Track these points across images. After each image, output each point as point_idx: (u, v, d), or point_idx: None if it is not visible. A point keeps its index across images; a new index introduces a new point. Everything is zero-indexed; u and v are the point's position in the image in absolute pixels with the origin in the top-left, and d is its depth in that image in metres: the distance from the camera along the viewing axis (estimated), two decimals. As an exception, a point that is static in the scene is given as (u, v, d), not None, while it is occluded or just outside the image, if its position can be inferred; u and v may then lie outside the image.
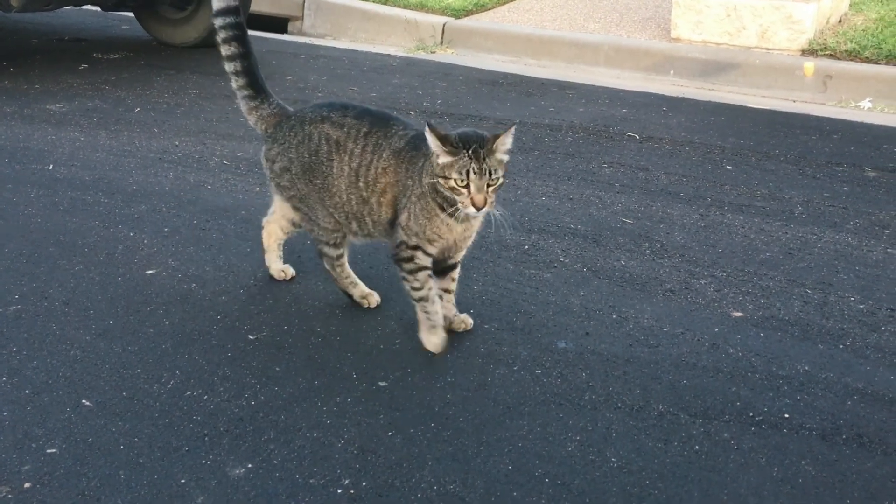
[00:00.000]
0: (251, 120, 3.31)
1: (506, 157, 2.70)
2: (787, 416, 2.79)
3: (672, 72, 7.49)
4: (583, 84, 7.13)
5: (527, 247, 4.01)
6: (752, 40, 7.49)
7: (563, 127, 5.93)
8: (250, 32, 3.46)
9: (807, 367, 3.07)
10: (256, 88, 3.27)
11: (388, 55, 7.91)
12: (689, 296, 3.59)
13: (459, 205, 2.65)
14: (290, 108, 3.31)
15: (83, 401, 2.77)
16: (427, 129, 2.64)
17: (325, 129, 3.02)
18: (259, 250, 3.65)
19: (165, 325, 3.25)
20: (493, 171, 2.62)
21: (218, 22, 3.26)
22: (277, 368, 2.98)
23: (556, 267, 3.81)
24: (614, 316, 3.40)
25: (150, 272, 3.65)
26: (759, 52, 7.45)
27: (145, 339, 3.14)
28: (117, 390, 2.83)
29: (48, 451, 2.53)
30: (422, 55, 7.98)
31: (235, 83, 3.28)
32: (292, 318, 3.31)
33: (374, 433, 2.64)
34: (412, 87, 6.82)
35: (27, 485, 2.40)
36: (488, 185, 2.62)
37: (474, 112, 6.15)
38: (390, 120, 3.02)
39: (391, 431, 2.65)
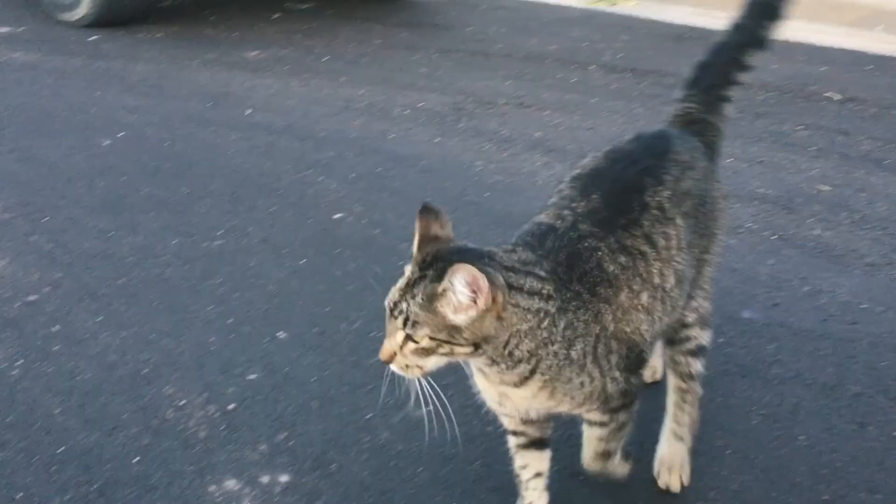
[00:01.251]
0: None
1: (455, 317, 1.64)
2: None
3: (881, 26, 6.87)
4: (778, 39, 6.68)
5: (711, 210, 3.87)
6: (979, -8, 6.72)
7: (754, 85, 5.59)
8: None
9: None
10: None
11: (568, 7, 7.74)
12: (893, 272, 3.33)
13: None
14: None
15: (279, 333, 2.98)
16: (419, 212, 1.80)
17: None
18: (437, 201, 3.72)
19: (351, 267, 3.41)
20: (407, 320, 1.66)
21: None
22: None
23: (742, 233, 3.65)
24: (806, 288, 3.22)
25: (337, 216, 3.83)
26: None
27: (333, 280, 3.31)
28: (309, 326, 3.02)
29: (249, 377, 2.75)
30: (603, 7, 7.75)
31: None
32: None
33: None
34: (593, 40, 6.65)
35: (231, 406, 2.62)
36: (408, 340, 1.68)
37: (657, 67, 5.93)
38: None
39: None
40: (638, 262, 1.89)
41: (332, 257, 3.49)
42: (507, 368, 1.76)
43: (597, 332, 1.82)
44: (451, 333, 1.65)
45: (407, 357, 1.69)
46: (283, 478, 2.34)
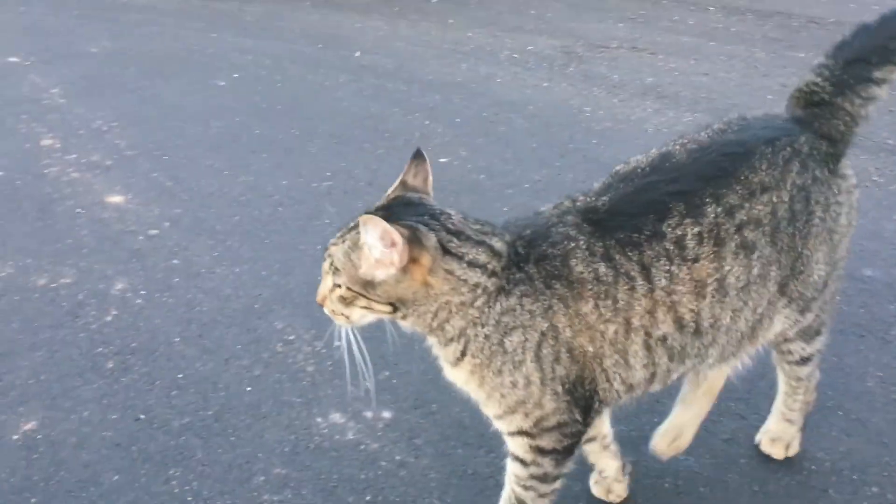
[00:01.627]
0: None
1: (367, 271, 1.56)
2: None
3: None
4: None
5: (834, 162, 3.66)
6: None
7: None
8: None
9: None
10: None
11: (688, -56, 7.38)
12: None
13: None
14: None
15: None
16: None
17: None
18: (543, 147, 3.68)
19: (456, 211, 3.43)
20: (331, 265, 1.61)
21: None
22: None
23: (867, 186, 3.45)
24: (935, 247, 3.03)
25: (443, 160, 3.83)
26: None
27: (437, 223, 3.34)
28: (413, 268, 3.06)
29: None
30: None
31: None
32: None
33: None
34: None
35: (337, 343, 2.69)
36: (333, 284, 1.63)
37: (783, 8, 5.60)
38: None
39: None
40: (619, 285, 1.59)
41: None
42: (441, 344, 1.64)
43: (543, 329, 1.59)
44: (366, 287, 1.56)
45: (334, 303, 1.62)
46: (386, 414, 2.41)
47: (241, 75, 4.92)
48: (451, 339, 1.61)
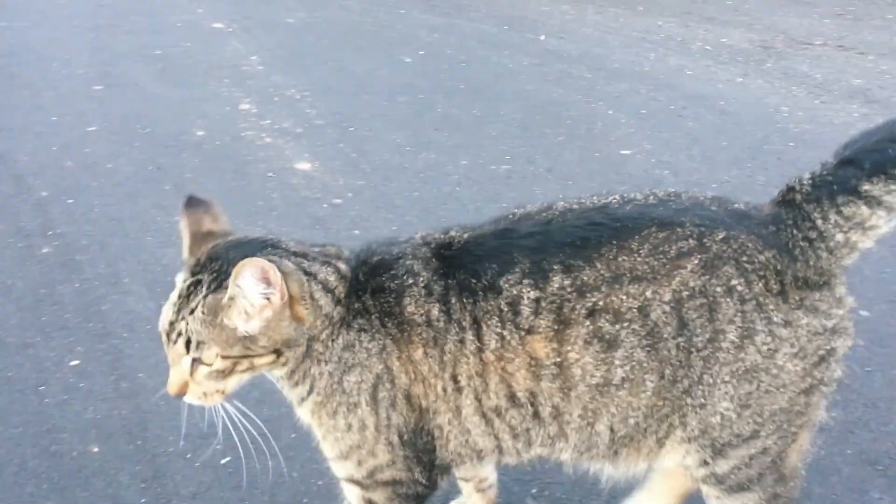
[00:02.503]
0: None
1: (248, 326, 1.36)
2: None
3: None
4: None
5: None
6: None
7: None
8: None
9: None
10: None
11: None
12: None
13: None
14: None
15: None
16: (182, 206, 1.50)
17: None
18: (734, 146, 3.49)
19: (636, 206, 3.33)
20: (189, 342, 1.37)
21: None
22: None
23: None
24: None
25: (625, 152, 3.73)
26: None
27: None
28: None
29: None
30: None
31: None
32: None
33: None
34: (937, -25, 5.78)
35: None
36: (197, 363, 1.39)
37: None
38: None
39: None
40: (449, 335, 1.41)
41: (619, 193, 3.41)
42: (291, 385, 1.47)
43: (379, 370, 1.43)
44: (247, 345, 1.36)
45: (202, 384, 1.39)
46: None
47: (427, 53, 4.99)
48: (300, 380, 1.45)
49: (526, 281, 1.38)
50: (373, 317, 1.43)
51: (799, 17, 5.24)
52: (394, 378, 1.43)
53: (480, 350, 1.39)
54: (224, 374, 1.38)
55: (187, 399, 1.40)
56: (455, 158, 3.74)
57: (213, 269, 1.37)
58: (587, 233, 1.38)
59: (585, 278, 1.37)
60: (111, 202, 3.38)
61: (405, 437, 1.46)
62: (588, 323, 1.36)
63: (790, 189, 1.42)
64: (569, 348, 1.37)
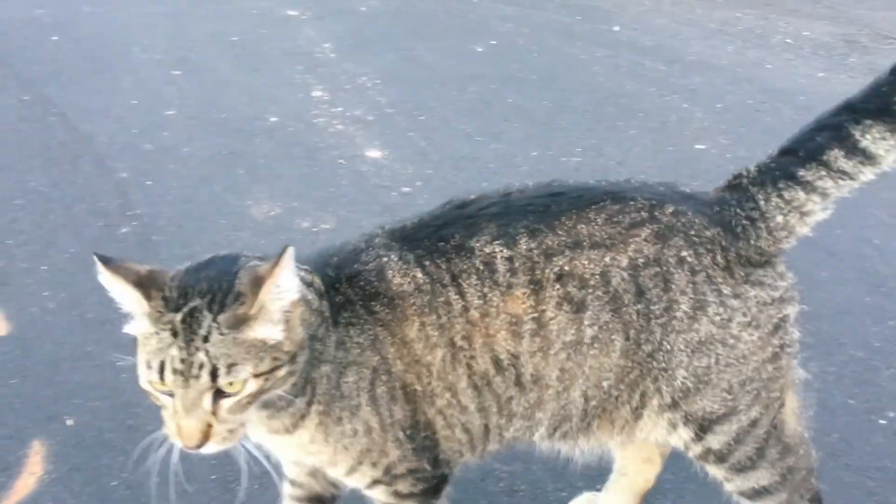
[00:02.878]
0: None
1: (273, 332, 1.28)
2: None
3: None
4: None
5: None
6: None
7: None
8: None
9: None
10: None
11: None
12: None
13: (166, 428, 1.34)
14: None
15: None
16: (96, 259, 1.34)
17: None
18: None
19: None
20: (216, 370, 1.25)
21: None
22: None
23: None
24: None
25: (699, 146, 3.65)
26: None
27: (688, 213, 3.20)
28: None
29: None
30: None
31: None
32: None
33: None
34: None
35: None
36: (219, 397, 1.27)
37: None
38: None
39: None
40: (436, 295, 1.42)
41: (691, 189, 3.35)
42: (284, 407, 1.38)
43: (374, 364, 1.41)
44: (273, 356, 1.28)
45: (227, 420, 1.27)
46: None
47: (498, 42, 4.97)
48: (297, 395, 1.37)
49: (497, 242, 1.43)
50: (356, 305, 1.41)
51: (886, 10, 5.05)
52: (389, 368, 1.42)
53: (466, 309, 1.42)
54: (250, 400, 1.28)
55: (209, 448, 1.28)
56: (525, 149, 3.71)
57: (202, 292, 1.26)
58: (547, 201, 1.46)
59: (550, 242, 1.43)
60: (187, 185, 3.46)
61: (408, 431, 1.46)
62: (558, 286, 1.42)
63: (737, 176, 1.51)
64: (544, 307, 1.42)
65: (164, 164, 3.63)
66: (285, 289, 1.26)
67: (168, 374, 1.24)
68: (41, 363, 2.47)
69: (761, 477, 1.56)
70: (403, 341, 1.42)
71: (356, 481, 1.53)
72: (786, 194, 1.46)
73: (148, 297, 1.27)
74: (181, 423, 1.25)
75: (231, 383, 1.24)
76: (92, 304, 2.64)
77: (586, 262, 1.42)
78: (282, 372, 1.29)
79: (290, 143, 3.84)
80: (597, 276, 1.42)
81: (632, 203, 1.45)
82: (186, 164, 3.64)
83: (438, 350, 1.43)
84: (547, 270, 1.42)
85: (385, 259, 1.44)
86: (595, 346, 1.44)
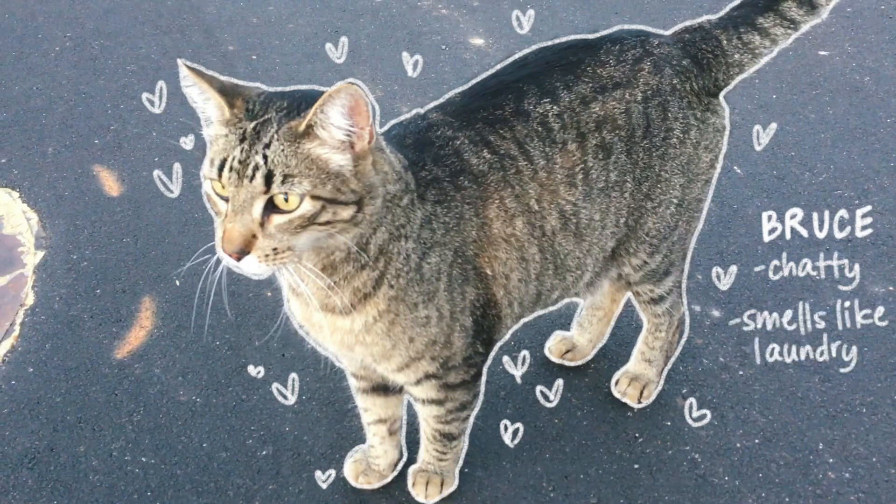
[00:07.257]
0: None
1: (336, 157, 1.24)
2: None
3: None
4: None
5: None
6: None
7: None
8: None
9: None
10: None
11: None
12: None
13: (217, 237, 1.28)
14: None
15: (735, 168, 2.86)
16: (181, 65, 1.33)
17: None
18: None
19: (829, 113, 3.09)
20: (271, 176, 1.21)
21: None
22: None
23: None
24: None
25: (823, 53, 3.43)
26: None
27: (805, 123, 3.04)
28: (769, 168, 2.85)
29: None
30: None
31: None
32: None
33: None
34: None
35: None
36: (271, 208, 1.22)
37: None
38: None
39: None
40: (508, 169, 1.49)
41: (808, 98, 3.18)
42: (347, 277, 1.33)
43: (457, 245, 1.43)
44: (337, 186, 1.22)
45: (273, 236, 1.21)
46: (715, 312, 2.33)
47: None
48: (365, 266, 1.33)
49: (545, 101, 1.53)
50: (444, 183, 1.44)
51: None
52: (466, 251, 1.47)
53: (535, 172, 1.51)
54: (304, 223, 1.22)
55: (248, 262, 1.21)
56: (634, 45, 3.56)
57: (280, 107, 1.25)
58: (568, 55, 1.58)
59: (583, 91, 1.55)
60: (291, 62, 3.47)
61: (476, 315, 1.52)
62: (597, 135, 1.55)
63: (699, 23, 1.70)
64: (587, 156, 1.55)
65: (269, 38, 3.64)
66: (330, 126, 1.22)
67: (226, 172, 1.21)
68: (152, 224, 2.59)
69: (670, 281, 1.83)
70: (484, 221, 1.48)
71: (405, 377, 1.55)
72: (745, 38, 1.67)
73: (231, 105, 1.26)
74: (227, 225, 1.21)
75: (286, 198, 1.20)
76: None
77: (614, 104, 1.57)
78: (346, 213, 1.25)
79: (393, 26, 3.78)
80: (623, 116, 1.57)
81: (626, 42, 1.61)
82: (290, 40, 3.64)
83: (518, 220, 1.51)
84: (588, 120, 1.55)
85: (458, 143, 1.49)
86: (616, 188, 1.60)
